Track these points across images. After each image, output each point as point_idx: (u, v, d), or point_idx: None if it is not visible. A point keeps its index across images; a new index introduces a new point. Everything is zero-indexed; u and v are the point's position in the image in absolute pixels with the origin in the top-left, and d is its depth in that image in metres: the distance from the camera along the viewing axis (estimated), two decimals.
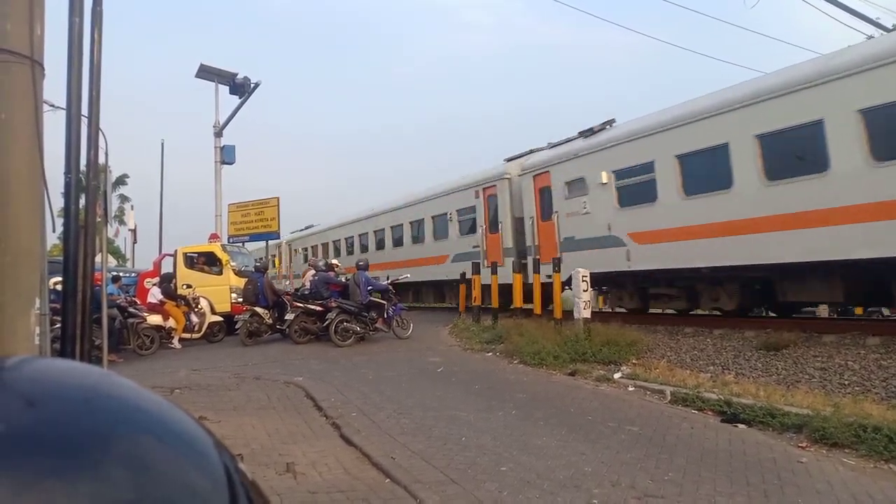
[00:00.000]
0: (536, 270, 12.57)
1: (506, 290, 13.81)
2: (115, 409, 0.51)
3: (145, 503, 0.43)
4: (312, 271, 13.96)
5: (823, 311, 16.37)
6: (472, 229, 16.77)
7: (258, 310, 12.79)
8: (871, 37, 13.68)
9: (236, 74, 20.33)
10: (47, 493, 0.40)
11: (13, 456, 0.41)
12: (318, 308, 12.05)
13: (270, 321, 12.89)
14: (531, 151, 15.81)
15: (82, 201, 5.12)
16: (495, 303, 13.50)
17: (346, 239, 25.21)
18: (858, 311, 22.20)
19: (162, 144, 30.99)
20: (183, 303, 13.47)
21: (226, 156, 20.93)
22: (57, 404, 0.49)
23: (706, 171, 10.61)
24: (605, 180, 12.30)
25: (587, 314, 10.38)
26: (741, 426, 5.62)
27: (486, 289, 14.19)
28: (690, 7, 16.65)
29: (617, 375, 7.91)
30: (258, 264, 14.81)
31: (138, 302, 13.21)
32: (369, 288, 11.91)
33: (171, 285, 13.60)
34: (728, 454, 4.80)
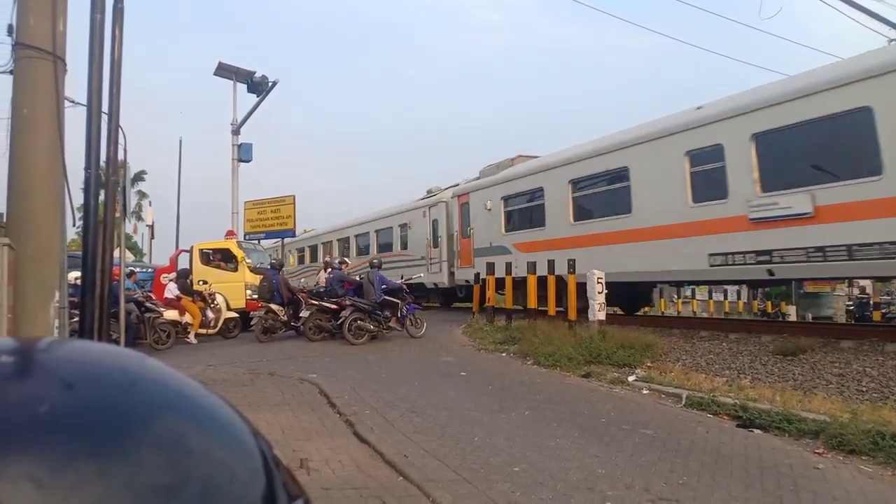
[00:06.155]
0: (551, 271, 12.53)
1: (520, 291, 13.83)
2: (154, 392, 0.52)
3: (185, 486, 0.43)
4: (328, 269, 14.05)
5: (841, 316, 16.18)
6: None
7: (273, 307, 12.87)
8: (892, 40, 13.44)
9: (254, 73, 20.43)
10: (86, 473, 0.40)
11: (53, 437, 0.42)
12: (333, 306, 12.11)
13: (285, 318, 12.97)
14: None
15: (101, 197, 5.18)
16: (509, 303, 13.48)
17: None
18: (876, 316, 21.94)
19: (180, 142, 31.13)
20: (199, 298, 13.59)
21: (243, 154, 21.08)
22: (97, 386, 0.50)
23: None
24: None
25: (602, 316, 10.32)
26: (757, 431, 5.55)
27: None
28: (706, 8, 16.47)
29: (631, 378, 7.85)
30: (273, 261, 14.89)
31: (153, 297, 13.35)
32: (383, 287, 11.94)
33: (188, 281, 13.72)
34: (743, 459, 4.74)
